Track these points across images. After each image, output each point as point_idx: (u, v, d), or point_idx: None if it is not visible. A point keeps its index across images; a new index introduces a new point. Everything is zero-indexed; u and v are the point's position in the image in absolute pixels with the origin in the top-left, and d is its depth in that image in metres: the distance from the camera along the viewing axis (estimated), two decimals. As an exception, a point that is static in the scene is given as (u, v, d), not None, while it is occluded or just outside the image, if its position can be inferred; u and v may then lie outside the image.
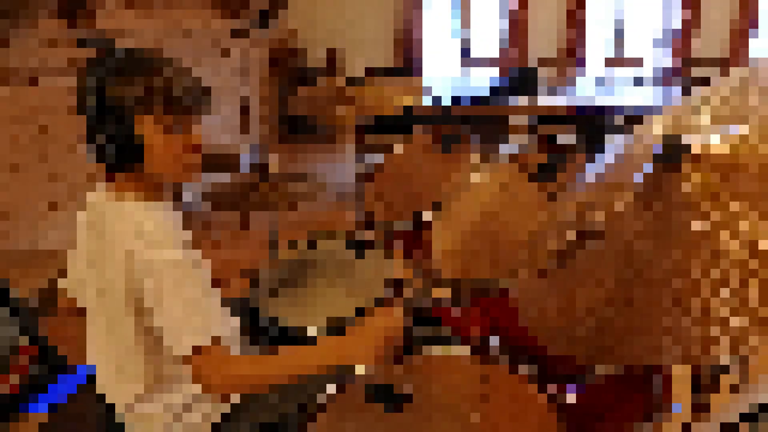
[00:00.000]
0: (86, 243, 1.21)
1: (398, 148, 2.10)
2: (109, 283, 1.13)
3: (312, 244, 1.68)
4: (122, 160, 1.12)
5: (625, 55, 4.08)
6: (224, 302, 1.27)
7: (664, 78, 3.97)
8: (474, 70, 4.27)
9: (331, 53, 4.25)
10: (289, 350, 1.17)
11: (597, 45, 4.09)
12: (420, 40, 4.29)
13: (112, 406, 1.22)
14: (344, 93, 2.31)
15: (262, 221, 2.96)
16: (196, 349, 1.06)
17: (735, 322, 0.77)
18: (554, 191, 1.59)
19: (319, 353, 1.13)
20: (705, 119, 0.91)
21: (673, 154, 0.82)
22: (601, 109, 3.08)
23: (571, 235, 0.95)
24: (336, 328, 1.35)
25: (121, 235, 1.09)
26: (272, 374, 1.13)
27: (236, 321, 1.34)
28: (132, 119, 1.09)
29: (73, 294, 1.28)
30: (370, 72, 3.97)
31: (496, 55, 4.21)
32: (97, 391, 1.25)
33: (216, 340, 1.08)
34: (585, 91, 3.85)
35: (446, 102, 3.05)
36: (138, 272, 1.07)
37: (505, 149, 1.83)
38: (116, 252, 1.09)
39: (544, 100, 3.23)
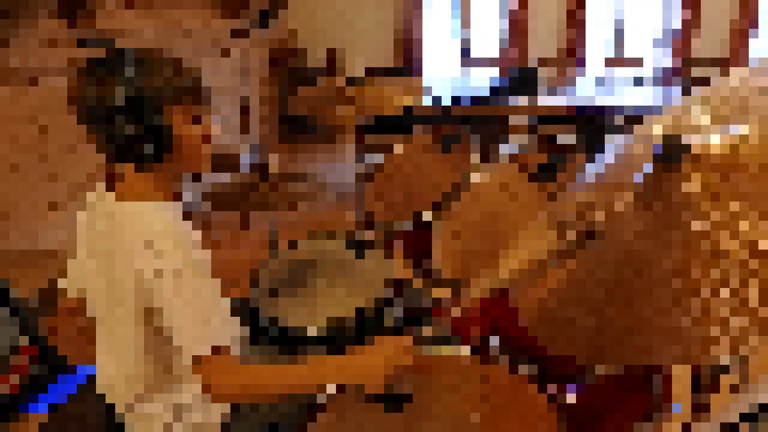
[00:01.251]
0: (90, 243, 1.20)
1: (398, 148, 2.10)
2: (115, 283, 1.13)
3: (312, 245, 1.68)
4: (143, 157, 1.12)
5: (625, 55, 4.07)
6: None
7: (664, 78, 3.97)
8: (474, 70, 4.26)
9: (331, 53, 4.25)
10: (299, 364, 1.18)
11: (597, 45, 4.09)
12: (420, 40, 4.28)
13: (112, 406, 1.23)
14: (344, 93, 2.31)
15: (262, 221, 2.97)
16: (214, 350, 1.06)
17: (735, 322, 0.77)
18: (554, 191, 1.59)
19: (330, 370, 1.12)
20: (705, 119, 0.91)
21: (673, 154, 0.82)
22: (601, 109, 3.08)
23: (571, 235, 0.95)
24: (334, 328, 1.35)
25: (132, 240, 1.08)
26: (278, 385, 1.12)
27: (236, 321, 1.34)
28: (157, 115, 1.09)
29: (73, 294, 1.28)
30: (370, 72, 3.97)
31: (496, 55, 4.21)
32: (98, 392, 1.25)
33: (226, 347, 1.08)
34: (585, 91, 3.84)
35: (446, 102, 3.04)
36: (148, 274, 1.07)
37: (505, 149, 1.83)
38: (126, 254, 1.09)
39: (544, 100, 3.23)
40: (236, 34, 3.55)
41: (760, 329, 0.75)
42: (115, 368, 1.20)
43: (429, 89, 3.33)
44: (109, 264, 1.14)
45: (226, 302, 1.17)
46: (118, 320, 1.16)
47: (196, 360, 1.06)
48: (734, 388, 1.16)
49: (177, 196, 1.21)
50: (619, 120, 2.80)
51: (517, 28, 4.12)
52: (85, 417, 1.46)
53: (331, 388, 1.14)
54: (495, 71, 4.17)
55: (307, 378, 1.12)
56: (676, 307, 0.81)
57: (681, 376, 1.21)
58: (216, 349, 1.06)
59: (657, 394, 1.23)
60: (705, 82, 1.02)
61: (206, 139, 1.18)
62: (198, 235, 1.16)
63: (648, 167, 0.85)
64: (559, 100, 3.29)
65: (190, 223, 1.18)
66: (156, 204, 1.13)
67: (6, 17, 2.80)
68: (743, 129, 0.83)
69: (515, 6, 4.08)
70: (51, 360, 2.00)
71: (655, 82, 3.95)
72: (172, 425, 1.19)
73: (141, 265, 1.07)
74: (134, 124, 1.07)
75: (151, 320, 1.11)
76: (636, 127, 1.04)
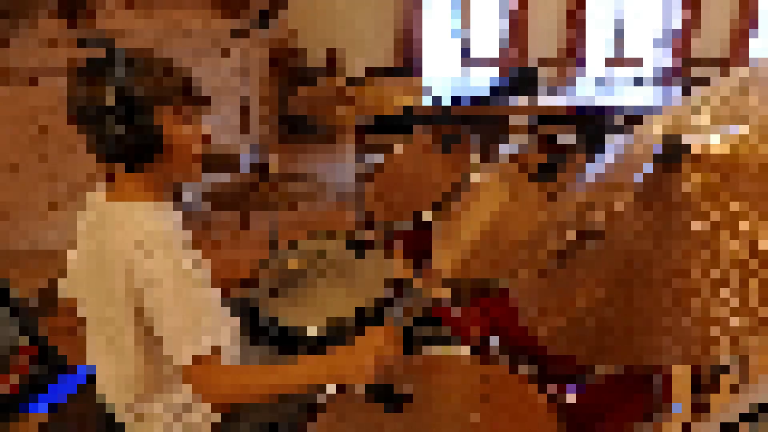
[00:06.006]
0: (86, 246, 1.20)
1: (398, 148, 2.10)
2: (109, 287, 1.12)
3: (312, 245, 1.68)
4: (133, 157, 1.11)
5: (625, 55, 4.07)
6: (224, 302, 1.27)
7: (664, 78, 3.96)
8: (474, 70, 4.26)
9: (331, 53, 4.24)
10: (285, 366, 1.18)
11: (597, 45, 4.09)
12: (420, 40, 4.28)
13: (112, 406, 1.22)
14: (344, 93, 2.31)
15: (262, 221, 2.96)
16: (196, 359, 1.06)
17: (735, 322, 0.77)
18: (554, 191, 1.59)
19: (314, 370, 1.13)
20: (705, 119, 0.91)
21: (673, 154, 0.82)
22: (601, 109, 3.08)
23: (571, 235, 0.95)
24: (334, 328, 1.35)
25: (122, 241, 1.08)
26: (267, 387, 1.12)
27: (236, 321, 1.34)
28: (147, 116, 1.08)
29: (72, 294, 1.27)
30: (370, 72, 3.97)
31: (496, 55, 4.21)
32: (98, 392, 1.25)
33: (215, 349, 1.08)
34: (585, 91, 3.84)
35: (446, 102, 3.04)
36: (138, 280, 1.06)
37: (505, 149, 1.83)
38: (117, 258, 1.08)
39: (544, 100, 3.23)
40: (236, 34, 3.55)
41: (760, 329, 0.75)
42: (113, 368, 1.20)
43: (429, 89, 3.33)
44: (101, 264, 1.13)
45: (218, 305, 1.16)
46: (111, 321, 1.16)
47: (186, 368, 1.06)
48: (734, 388, 1.16)
49: (171, 197, 1.21)
50: (619, 120, 2.80)
51: (517, 28, 4.12)
52: (85, 417, 1.46)
53: (330, 388, 1.15)
54: (495, 71, 4.17)
55: (297, 378, 1.12)
56: (677, 307, 0.81)
57: (681, 376, 1.21)
58: (197, 359, 1.06)
59: (657, 394, 1.23)
60: (705, 82, 1.02)
61: (199, 139, 1.17)
62: (189, 235, 1.15)
63: (648, 167, 0.85)
64: (559, 100, 3.29)
65: (181, 224, 1.17)
66: (146, 205, 1.13)
67: (6, 17, 2.80)
68: (743, 129, 0.83)
69: (515, 6, 4.08)
70: (51, 360, 2.00)
71: (655, 82, 3.95)
72: (172, 425, 1.19)
73: (132, 272, 1.06)
74: (124, 124, 1.06)
75: (142, 321, 1.10)
76: (636, 127, 1.04)
